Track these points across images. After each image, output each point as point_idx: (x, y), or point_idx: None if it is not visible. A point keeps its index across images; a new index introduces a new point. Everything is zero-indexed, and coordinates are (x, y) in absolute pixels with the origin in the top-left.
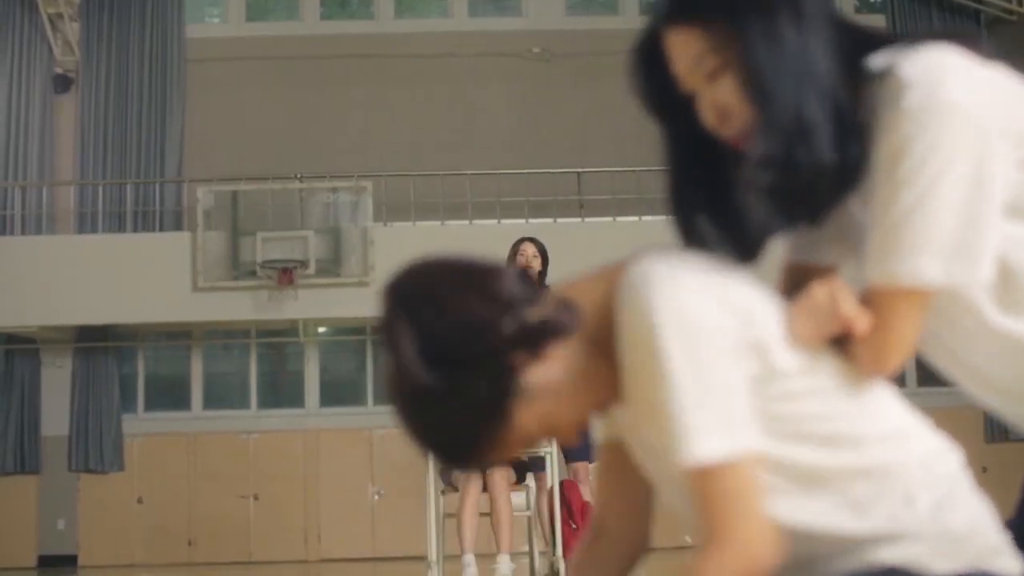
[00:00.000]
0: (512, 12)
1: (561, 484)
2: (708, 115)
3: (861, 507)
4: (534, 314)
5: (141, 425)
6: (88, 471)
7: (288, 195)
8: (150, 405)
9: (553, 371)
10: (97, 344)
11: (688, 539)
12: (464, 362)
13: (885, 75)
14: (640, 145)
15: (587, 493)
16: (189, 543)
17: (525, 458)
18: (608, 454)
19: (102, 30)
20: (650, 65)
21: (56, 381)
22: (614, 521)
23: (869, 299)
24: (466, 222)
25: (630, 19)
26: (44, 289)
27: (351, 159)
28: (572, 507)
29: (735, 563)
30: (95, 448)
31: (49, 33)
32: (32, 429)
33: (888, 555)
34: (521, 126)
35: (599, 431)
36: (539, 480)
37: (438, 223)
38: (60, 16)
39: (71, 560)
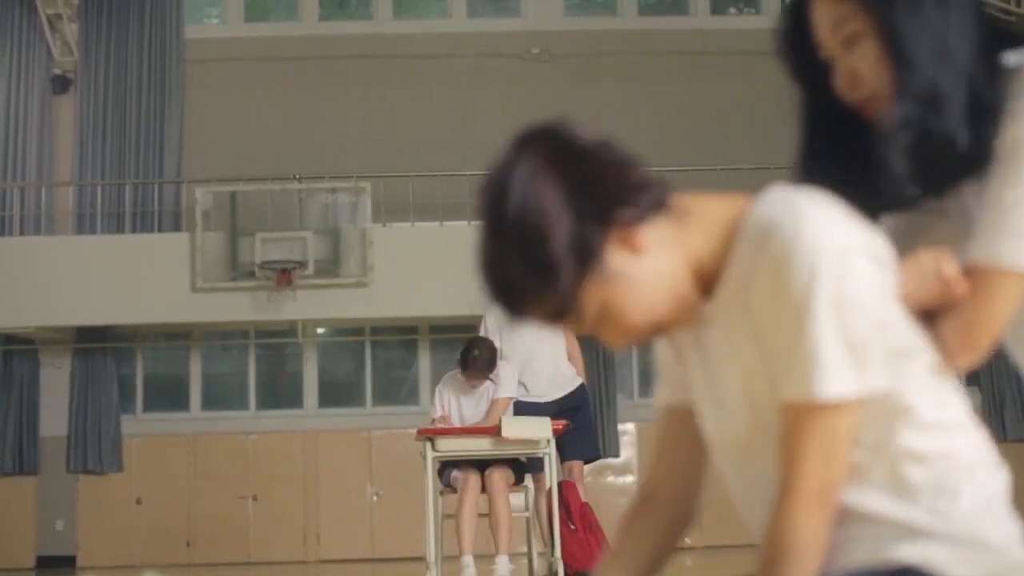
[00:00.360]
0: (511, 13)
1: (560, 485)
2: (841, 80)
3: (907, 492)
4: (648, 197)
5: (140, 426)
6: (87, 472)
7: (287, 196)
8: (149, 406)
9: (639, 263)
10: (96, 345)
11: (687, 539)
12: (572, 209)
13: (1019, 70)
14: (638, 146)
15: (583, 492)
16: (188, 544)
17: (523, 459)
18: (667, 419)
19: (101, 31)
20: (797, 32)
21: (55, 382)
22: (666, 487)
23: (969, 275)
24: (465, 223)
25: (629, 20)
26: (43, 290)
27: (350, 160)
28: (570, 508)
29: (829, 507)
30: (94, 449)
31: (48, 34)
32: (31, 430)
33: (908, 552)
34: (520, 127)
35: (658, 397)
36: (537, 481)
37: (437, 224)
38: (59, 17)
39: (70, 561)
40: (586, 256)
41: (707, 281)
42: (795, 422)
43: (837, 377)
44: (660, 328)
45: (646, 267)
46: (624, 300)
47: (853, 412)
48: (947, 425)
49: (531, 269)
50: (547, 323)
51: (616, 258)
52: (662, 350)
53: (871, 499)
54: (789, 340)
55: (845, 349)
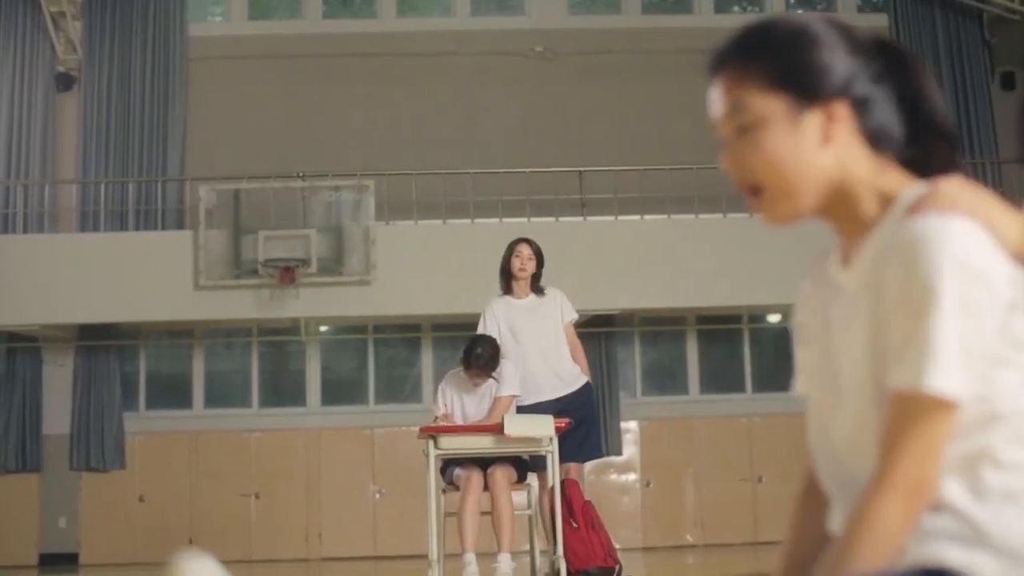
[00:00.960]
0: (514, 11)
1: (562, 483)
2: None
3: (979, 493)
4: (883, 125)
5: (143, 423)
6: (89, 469)
7: (290, 194)
8: (152, 403)
9: (815, 144)
10: (99, 342)
11: (689, 538)
12: (849, 59)
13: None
14: (642, 144)
15: (584, 490)
16: (190, 541)
17: (526, 457)
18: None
19: (104, 28)
20: None
21: (58, 379)
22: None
23: None
24: (468, 221)
25: (632, 18)
26: (46, 287)
27: (353, 158)
28: (573, 506)
29: (919, 508)
30: (96, 446)
31: (51, 31)
32: (34, 427)
33: (957, 557)
34: (523, 125)
35: (797, 385)
36: (540, 479)
37: (440, 222)
38: (62, 14)
39: (72, 558)
40: (818, 85)
41: (847, 243)
42: (899, 412)
43: (950, 373)
44: (790, 208)
45: (816, 152)
46: (782, 150)
47: (955, 415)
48: None
49: (787, 46)
50: (722, 102)
51: (812, 122)
52: (799, 336)
53: (947, 489)
54: (909, 328)
55: (962, 352)
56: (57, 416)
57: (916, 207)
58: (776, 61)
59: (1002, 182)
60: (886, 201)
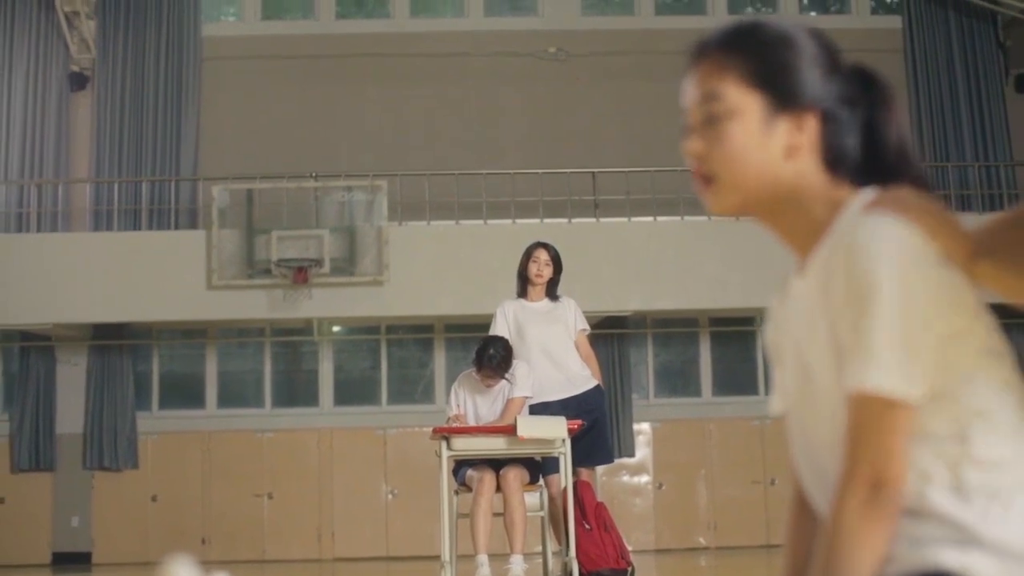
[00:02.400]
0: (528, 12)
1: (575, 484)
2: None
3: (963, 492)
4: (844, 146)
5: (155, 423)
6: (103, 469)
7: (303, 194)
8: (165, 403)
9: (778, 152)
10: (112, 342)
11: (702, 540)
12: (822, 67)
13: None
14: (655, 145)
15: (598, 492)
16: (203, 541)
17: (539, 459)
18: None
19: (118, 28)
20: None
21: (71, 379)
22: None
23: None
24: (481, 222)
25: (646, 19)
26: (59, 287)
27: (366, 158)
28: (585, 507)
29: (881, 501)
30: (110, 446)
31: (65, 31)
32: (47, 427)
33: (953, 559)
34: (536, 126)
35: (773, 405)
36: (551, 483)
37: (453, 223)
38: (76, 14)
39: (85, 557)
40: (795, 93)
41: (800, 253)
42: (852, 413)
43: (891, 370)
44: (736, 201)
45: (777, 156)
46: (745, 146)
47: (908, 411)
48: (1014, 436)
49: (773, 47)
50: (696, 92)
51: (782, 128)
52: (773, 355)
53: (931, 495)
54: (853, 327)
55: (903, 348)
56: (70, 415)
57: (865, 208)
58: (760, 60)
59: (1016, 184)
60: (836, 208)
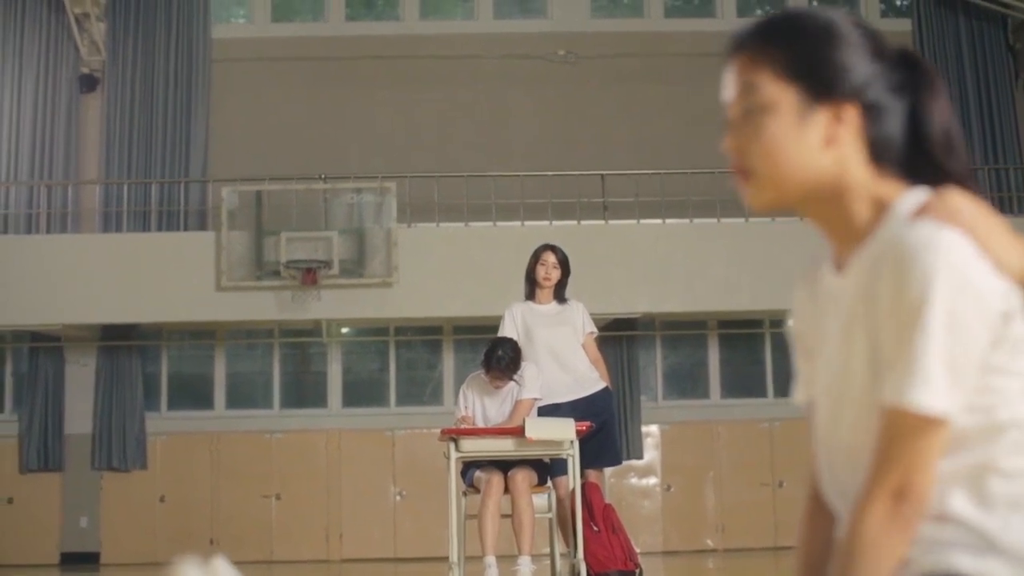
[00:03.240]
0: (537, 14)
1: (583, 486)
2: None
3: (986, 501)
4: (887, 139)
5: (164, 424)
6: (111, 469)
7: (312, 195)
8: (173, 404)
9: (818, 144)
10: (121, 343)
11: (710, 542)
12: (867, 61)
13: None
14: (664, 148)
15: (606, 494)
16: (211, 542)
17: (547, 460)
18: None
19: (128, 30)
20: None
21: (80, 379)
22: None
23: None
24: (490, 224)
25: (655, 22)
26: (69, 288)
27: (375, 160)
28: (593, 509)
29: (904, 513)
30: (118, 446)
31: (75, 32)
32: (56, 427)
33: (969, 565)
34: (545, 128)
35: (797, 395)
36: (559, 485)
37: (462, 225)
38: (86, 16)
39: (94, 557)
40: (832, 83)
41: (839, 249)
42: (887, 427)
43: (935, 390)
44: (774, 195)
45: (816, 149)
46: (783, 140)
47: (942, 430)
48: None
49: (810, 38)
50: (735, 83)
51: (819, 119)
52: (798, 344)
53: (952, 500)
54: (899, 341)
55: (948, 367)
56: (79, 416)
57: (915, 215)
58: (795, 50)
59: None
60: (881, 208)
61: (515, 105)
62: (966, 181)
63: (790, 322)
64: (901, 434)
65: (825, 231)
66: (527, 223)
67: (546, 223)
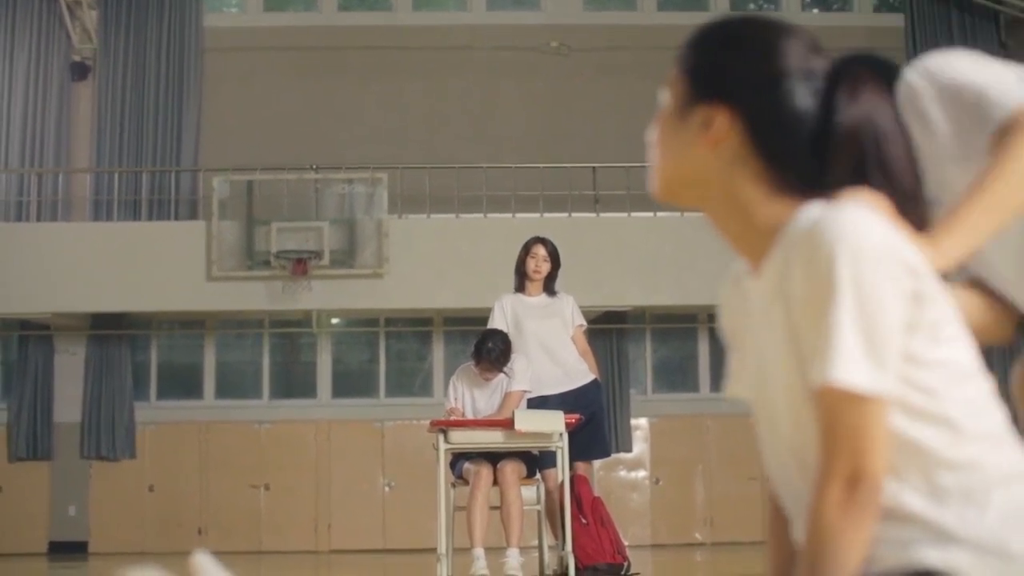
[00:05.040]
0: (530, 6)
1: (572, 479)
2: None
3: (939, 495)
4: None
5: (153, 413)
6: (100, 458)
7: (303, 186)
8: (163, 393)
9: (698, 141)
10: (111, 332)
11: (698, 536)
12: (776, 59)
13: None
14: None
15: (595, 487)
16: (199, 532)
17: (536, 453)
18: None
19: (120, 18)
20: None
21: (69, 368)
22: None
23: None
24: (481, 215)
25: (648, 15)
26: (59, 276)
27: (367, 151)
28: (582, 502)
29: (860, 499)
30: (107, 435)
31: (67, 20)
32: (45, 416)
33: (934, 556)
34: (537, 120)
35: (728, 388)
36: (548, 478)
37: (453, 216)
38: (78, 3)
39: (82, 546)
40: (704, 84)
41: (754, 260)
42: (822, 410)
43: (855, 363)
44: (659, 184)
45: (689, 148)
46: (664, 133)
47: (880, 406)
48: (983, 436)
49: (702, 40)
50: (673, 94)
51: (694, 118)
52: (729, 340)
53: (906, 498)
54: (815, 325)
55: (863, 341)
56: (68, 405)
57: (819, 209)
58: (691, 50)
59: None
60: (779, 216)
61: (507, 97)
62: (908, 209)
63: (720, 317)
64: (836, 416)
65: (730, 240)
66: (518, 215)
67: (537, 215)
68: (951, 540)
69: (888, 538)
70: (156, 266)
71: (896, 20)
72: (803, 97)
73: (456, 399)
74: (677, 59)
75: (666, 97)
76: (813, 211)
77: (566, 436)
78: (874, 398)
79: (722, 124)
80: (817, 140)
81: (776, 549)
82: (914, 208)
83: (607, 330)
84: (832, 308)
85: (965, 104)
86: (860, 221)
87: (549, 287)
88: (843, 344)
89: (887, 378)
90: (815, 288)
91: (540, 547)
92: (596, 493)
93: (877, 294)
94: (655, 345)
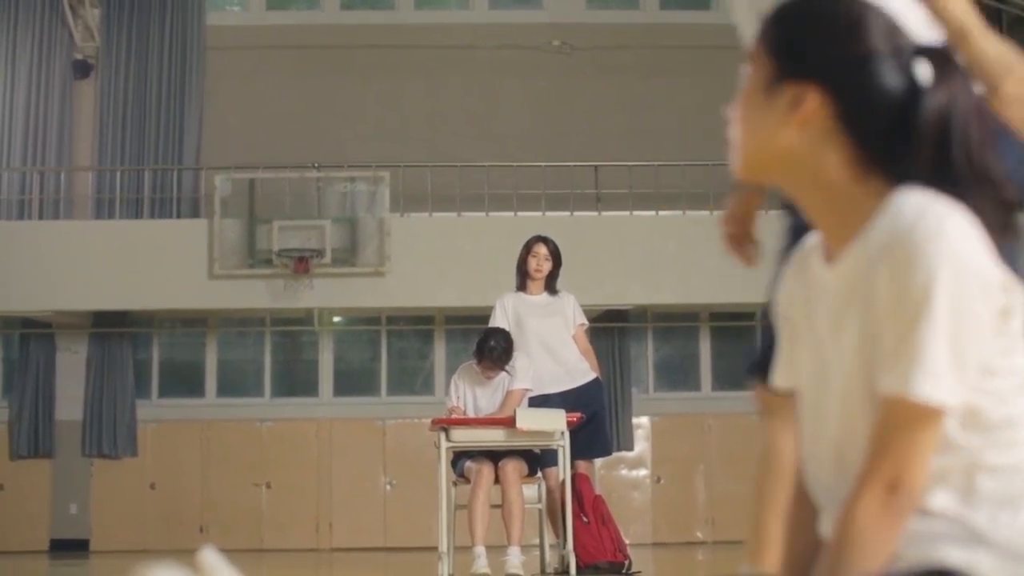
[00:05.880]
0: (532, 5)
1: (573, 477)
2: None
3: (974, 497)
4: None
5: (155, 411)
6: (101, 456)
7: (305, 184)
8: (164, 391)
9: (787, 121)
10: (112, 330)
11: (700, 535)
12: (862, 39)
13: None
14: (658, 140)
15: (597, 485)
16: (201, 530)
17: (537, 451)
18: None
19: (122, 16)
20: None
21: (71, 366)
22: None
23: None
24: (483, 214)
25: (650, 13)
26: (61, 274)
27: (369, 149)
28: (583, 500)
29: (896, 505)
30: (109, 433)
31: (69, 18)
32: (46, 413)
33: (957, 556)
34: (539, 119)
35: (777, 378)
36: (549, 477)
37: (455, 215)
38: (81, 2)
39: (83, 544)
40: (793, 62)
41: (833, 242)
42: (886, 417)
43: (940, 381)
44: (741, 164)
45: (776, 127)
46: (748, 111)
47: (941, 422)
48: None
49: (789, 17)
50: (750, 67)
51: (781, 97)
52: (783, 327)
53: (940, 495)
54: (901, 333)
55: (953, 358)
56: (70, 402)
57: (915, 208)
58: (778, 28)
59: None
60: (866, 200)
61: (509, 95)
62: (985, 187)
63: (777, 304)
64: (899, 425)
65: (814, 220)
66: (520, 214)
67: (539, 214)
68: (979, 541)
69: (913, 531)
70: (158, 264)
71: None
72: (892, 76)
73: (457, 397)
74: (760, 35)
75: (748, 73)
76: (906, 206)
77: (567, 435)
78: (941, 415)
79: (813, 103)
80: (903, 121)
81: (794, 535)
82: (993, 192)
83: (609, 329)
84: (925, 322)
85: None
86: (961, 237)
87: (551, 286)
88: (931, 360)
89: (961, 395)
90: (907, 298)
91: (541, 545)
92: (597, 491)
93: (972, 316)
94: (657, 344)
